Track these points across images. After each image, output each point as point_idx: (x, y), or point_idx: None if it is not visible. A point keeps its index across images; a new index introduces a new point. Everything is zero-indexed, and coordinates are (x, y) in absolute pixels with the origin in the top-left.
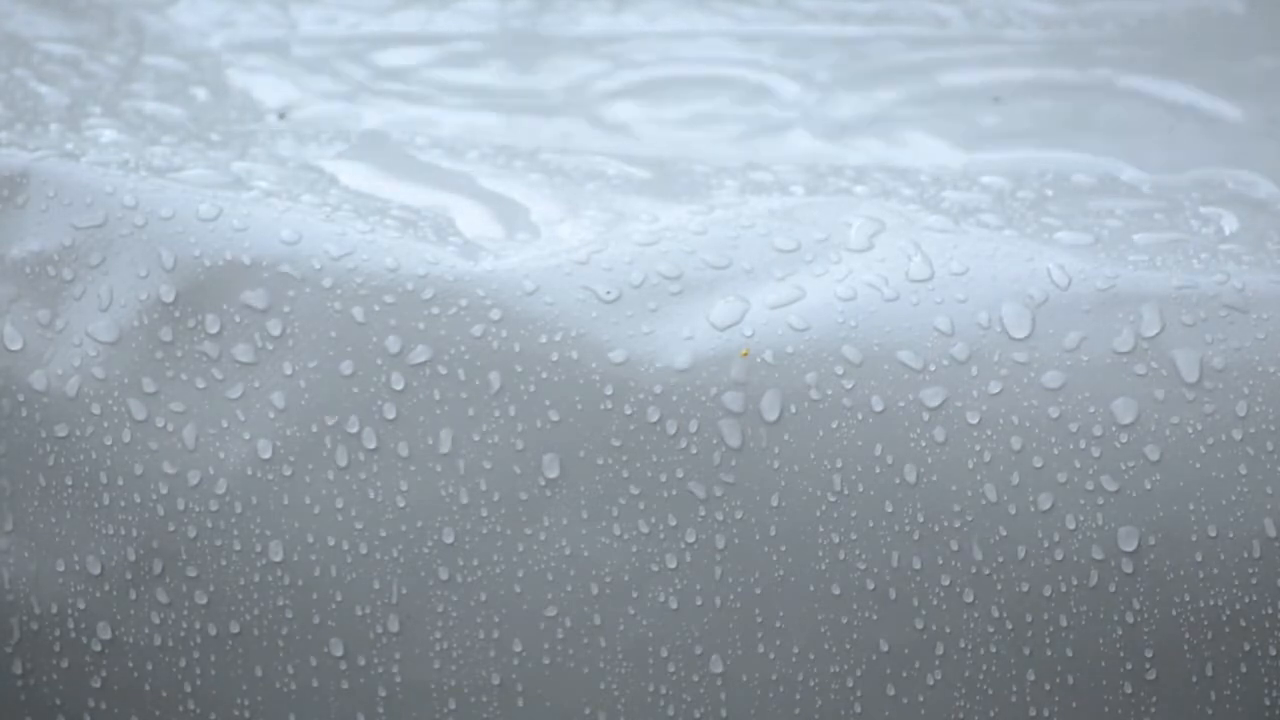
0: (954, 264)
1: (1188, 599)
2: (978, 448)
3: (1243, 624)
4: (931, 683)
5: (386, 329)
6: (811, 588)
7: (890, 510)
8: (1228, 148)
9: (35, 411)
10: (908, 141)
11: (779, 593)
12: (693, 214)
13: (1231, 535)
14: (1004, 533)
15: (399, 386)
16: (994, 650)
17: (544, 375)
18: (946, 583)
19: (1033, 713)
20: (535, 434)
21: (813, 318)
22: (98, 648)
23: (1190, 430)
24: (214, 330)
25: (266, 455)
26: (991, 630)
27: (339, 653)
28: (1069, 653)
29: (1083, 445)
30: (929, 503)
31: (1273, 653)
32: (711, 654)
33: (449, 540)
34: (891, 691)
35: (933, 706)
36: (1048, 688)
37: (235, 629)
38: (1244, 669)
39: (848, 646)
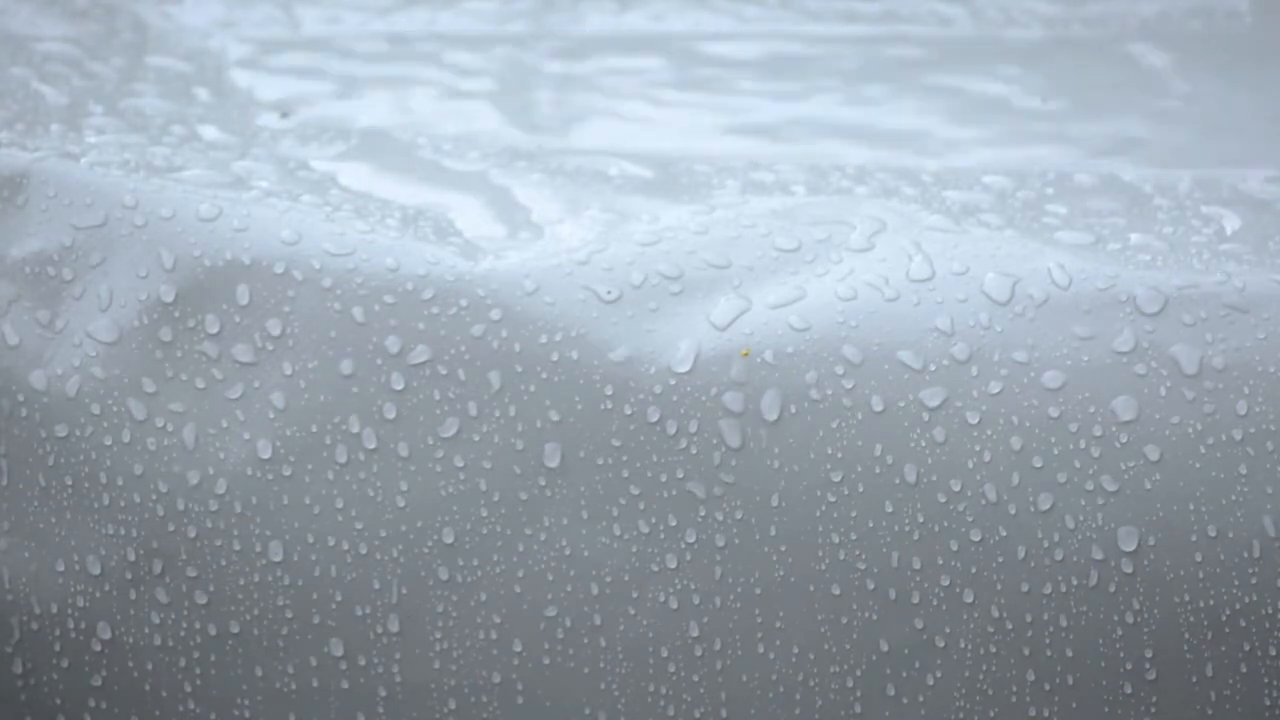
0: (955, 264)
1: (1188, 599)
2: (978, 448)
3: (1243, 624)
4: (931, 683)
5: (386, 329)
6: (811, 588)
7: (890, 510)
8: (1230, 147)
9: (35, 411)
10: (909, 141)
11: (779, 593)
12: (694, 214)
13: (1231, 535)
14: (1004, 533)
15: (399, 386)
16: (994, 650)
17: (544, 375)
18: (946, 583)
19: (1033, 713)
20: (535, 434)
21: (813, 317)
22: (98, 648)
23: (1190, 430)
24: (214, 330)
25: (266, 455)
26: (991, 630)
27: (339, 653)
28: (1069, 653)
29: (1083, 445)
30: (929, 503)
31: (1273, 653)
32: (712, 654)
33: (449, 540)
34: (891, 691)
35: (933, 706)
36: (1048, 688)
37: (235, 629)
38: (1244, 669)
39: (848, 646)
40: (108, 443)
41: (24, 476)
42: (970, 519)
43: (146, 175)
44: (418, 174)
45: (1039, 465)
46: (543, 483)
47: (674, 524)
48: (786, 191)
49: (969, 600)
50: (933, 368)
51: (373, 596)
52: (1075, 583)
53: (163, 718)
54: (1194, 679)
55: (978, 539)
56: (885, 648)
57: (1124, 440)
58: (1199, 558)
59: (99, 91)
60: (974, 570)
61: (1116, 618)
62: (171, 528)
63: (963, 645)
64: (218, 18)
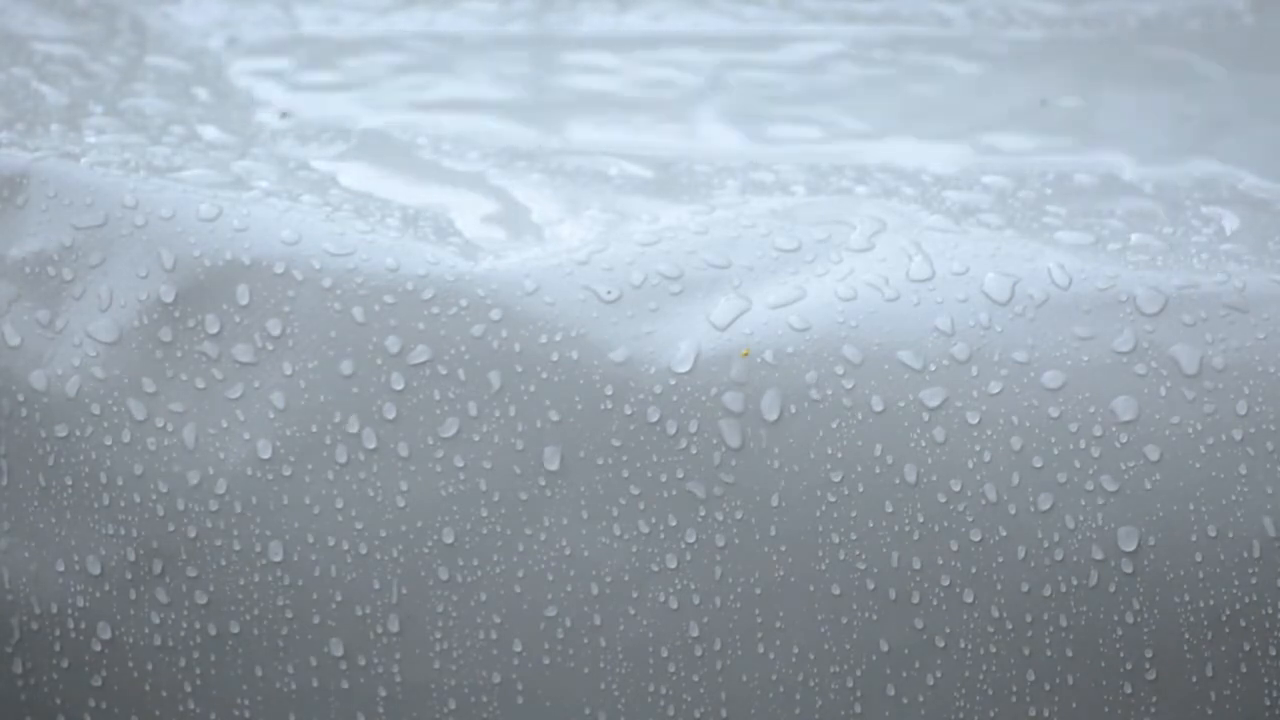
0: (955, 264)
1: (1188, 599)
2: (978, 448)
3: (1243, 624)
4: (931, 683)
5: (386, 329)
6: (811, 588)
7: (890, 510)
8: (1230, 147)
9: (35, 411)
10: (909, 141)
11: (779, 593)
12: (694, 214)
13: (1231, 535)
14: (1004, 533)
15: (399, 386)
16: (994, 650)
17: (544, 375)
18: (946, 583)
19: (1033, 713)
20: (535, 434)
21: (813, 317)
22: (98, 648)
23: (1190, 430)
24: (214, 330)
25: (266, 455)
26: (991, 630)
27: (339, 653)
28: (1069, 653)
29: (1083, 445)
30: (929, 503)
31: (1273, 653)
32: (711, 654)
33: (449, 540)
34: (891, 691)
35: (933, 706)
36: (1048, 688)
37: (235, 629)
38: (1244, 669)
39: (848, 646)
40: (108, 443)
41: (24, 476)
42: (970, 519)
43: (146, 175)
44: (418, 174)
45: (1039, 465)
46: (543, 483)
47: (674, 524)
48: (786, 191)
49: (969, 600)
50: (933, 368)
51: (373, 596)
52: (1075, 583)
53: (163, 718)
54: (1194, 679)
55: (978, 539)
56: (885, 648)
57: (1124, 440)
58: (1199, 558)
59: (99, 91)
60: (974, 570)
61: (1116, 618)
62: (171, 528)
63: (963, 645)
64: (218, 18)
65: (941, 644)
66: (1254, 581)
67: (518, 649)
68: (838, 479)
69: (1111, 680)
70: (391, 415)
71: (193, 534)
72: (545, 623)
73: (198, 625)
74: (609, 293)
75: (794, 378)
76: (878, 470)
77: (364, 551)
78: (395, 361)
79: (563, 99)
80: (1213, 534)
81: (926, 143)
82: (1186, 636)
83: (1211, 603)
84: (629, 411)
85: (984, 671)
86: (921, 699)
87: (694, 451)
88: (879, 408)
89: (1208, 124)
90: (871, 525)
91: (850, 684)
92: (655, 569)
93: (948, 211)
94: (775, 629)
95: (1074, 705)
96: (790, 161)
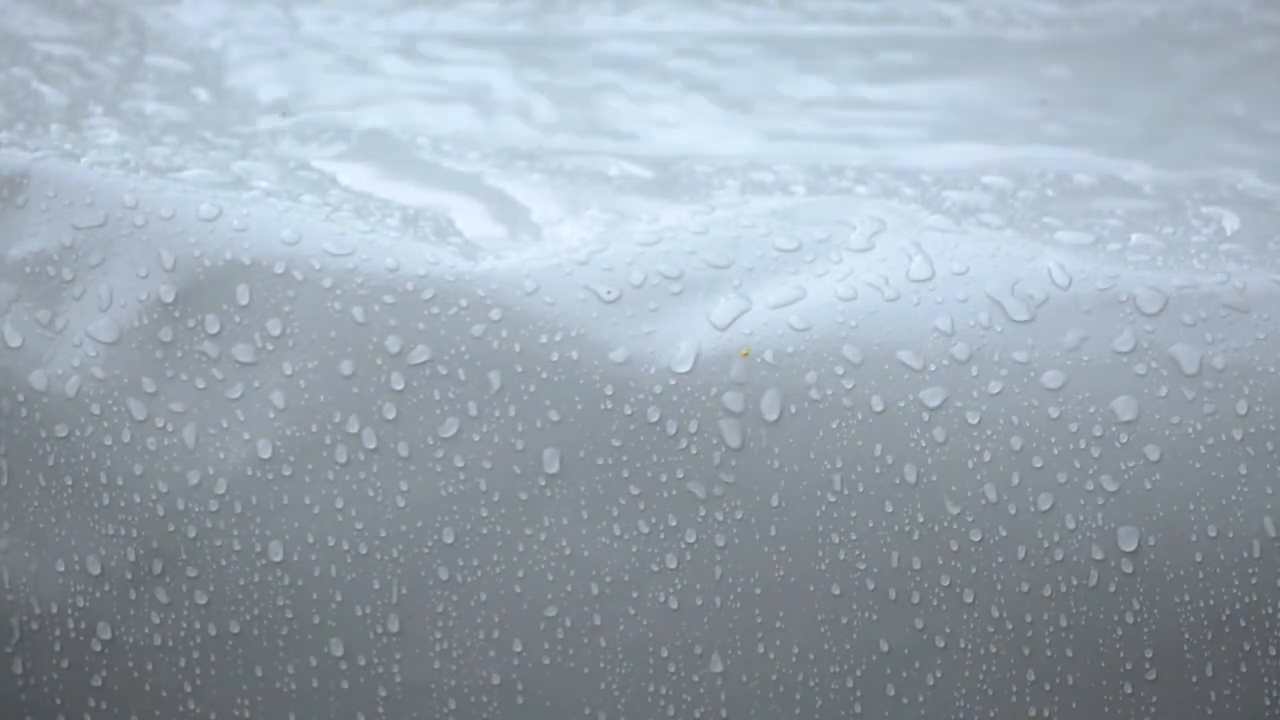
0: (955, 264)
1: (1188, 599)
2: (978, 448)
3: (1243, 624)
4: (931, 683)
5: (386, 329)
6: (811, 588)
7: (890, 510)
8: (1230, 147)
9: (35, 411)
10: (909, 141)
11: (779, 593)
12: (694, 214)
13: (1231, 535)
14: (1004, 533)
15: (399, 386)
16: (994, 650)
17: (544, 375)
18: (946, 583)
19: (1033, 713)
20: (535, 434)
21: (813, 317)
22: (98, 648)
23: (1190, 430)
24: (214, 330)
25: (266, 455)
26: (991, 630)
27: (339, 653)
28: (1069, 653)
29: (1083, 445)
30: (929, 503)
31: (1273, 653)
32: (711, 654)
33: (449, 540)
34: (891, 691)
35: (933, 706)
36: (1048, 688)
37: (235, 629)
38: (1244, 669)
39: (848, 646)
40: (108, 443)
41: (24, 476)
42: (970, 519)
43: (146, 175)
44: (418, 174)
45: (1039, 465)
46: (543, 483)
47: (674, 524)
48: (786, 191)
49: (969, 600)
50: (933, 368)
51: (373, 596)
52: (1075, 583)
53: (163, 718)
54: (1194, 679)
55: (978, 539)
56: (885, 648)
57: (1124, 440)
58: (1199, 558)
59: (99, 91)
60: (974, 570)
61: (1116, 618)
62: (171, 528)
63: (963, 645)
64: (218, 18)
65: (941, 644)
66: (1254, 581)
67: (518, 649)
68: (838, 479)
69: (1111, 680)
70: (391, 415)
71: (193, 534)
72: (545, 623)
73: (198, 625)
74: (609, 293)
75: (794, 378)
76: (878, 470)
77: (364, 551)
78: (395, 361)
79: (564, 98)
80: (1213, 534)
81: (926, 142)
82: (1186, 636)
83: (1211, 603)
84: (629, 411)
85: (984, 671)
86: (921, 699)
87: (694, 451)
88: (879, 408)
89: (1208, 124)
90: (871, 525)
91: (850, 684)
92: (655, 569)
93: (948, 211)
94: (775, 629)
95: (1074, 705)
96: (790, 161)
